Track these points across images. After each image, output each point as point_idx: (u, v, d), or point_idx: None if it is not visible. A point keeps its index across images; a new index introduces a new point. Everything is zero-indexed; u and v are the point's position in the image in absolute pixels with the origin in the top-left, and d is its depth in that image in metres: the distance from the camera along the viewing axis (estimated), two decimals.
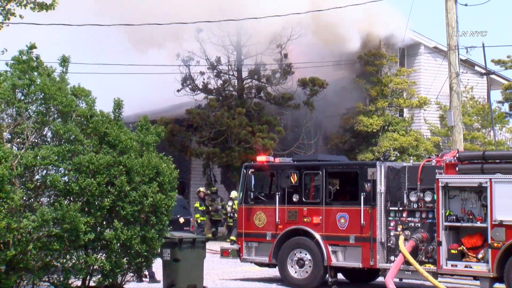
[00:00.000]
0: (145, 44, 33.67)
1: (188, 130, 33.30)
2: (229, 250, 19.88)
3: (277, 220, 18.69)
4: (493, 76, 36.99)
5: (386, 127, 34.54)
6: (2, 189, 12.00)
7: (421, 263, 16.79)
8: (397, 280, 17.34)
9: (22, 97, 13.49)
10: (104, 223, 13.40)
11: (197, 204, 29.26)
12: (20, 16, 16.72)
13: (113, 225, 13.30)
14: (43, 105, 13.47)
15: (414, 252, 16.86)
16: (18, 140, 13.23)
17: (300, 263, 18.34)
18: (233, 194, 29.12)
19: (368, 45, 35.20)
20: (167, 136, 28.87)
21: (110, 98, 14.37)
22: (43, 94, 13.35)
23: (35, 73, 13.67)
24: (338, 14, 31.28)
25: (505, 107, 39.81)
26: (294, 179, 18.65)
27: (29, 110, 13.48)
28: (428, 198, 17.00)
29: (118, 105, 14.09)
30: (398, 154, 33.68)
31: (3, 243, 12.30)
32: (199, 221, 28.80)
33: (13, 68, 13.66)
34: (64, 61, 14.19)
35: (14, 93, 13.28)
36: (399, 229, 17.22)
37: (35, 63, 13.78)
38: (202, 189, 30.65)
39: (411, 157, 31.01)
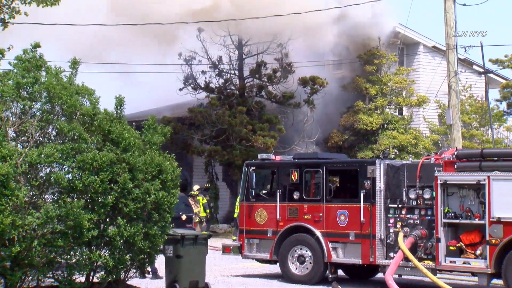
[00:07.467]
0: (149, 43, 33.77)
1: (190, 128, 33.43)
2: (231, 247, 19.95)
3: (278, 217, 18.83)
4: (491, 75, 37.08)
5: (385, 125, 34.63)
6: (7, 186, 11.98)
7: (420, 259, 16.86)
8: (397, 276, 17.45)
9: (26, 95, 13.42)
10: (108, 220, 13.39)
11: (205, 200, 29.17)
12: (25, 14, 16.66)
13: (116, 222, 13.28)
14: (47, 104, 13.44)
15: (413, 249, 16.95)
16: (23, 138, 13.19)
17: (301, 259, 18.47)
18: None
19: (368, 44, 35.30)
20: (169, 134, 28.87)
21: (112, 96, 14.35)
22: (47, 93, 13.32)
23: (40, 72, 13.61)
24: (338, 14, 31.43)
25: (503, 106, 39.85)
26: (294, 176, 18.75)
27: (34, 108, 13.40)
28: (427, 196, 17.10)
29: (120, 101, 14.02)
30: (397, 152, 33.80)
31: (8, 239, 12.29)
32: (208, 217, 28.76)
33: (17, 67, 13.61)
34: (75, 64, 14.11)
35: (18, 91, 13.27)
36: (398, 226, 17.32)
37: (39, 61, 13.70)
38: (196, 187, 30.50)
39: (410, 155, 31.09)
